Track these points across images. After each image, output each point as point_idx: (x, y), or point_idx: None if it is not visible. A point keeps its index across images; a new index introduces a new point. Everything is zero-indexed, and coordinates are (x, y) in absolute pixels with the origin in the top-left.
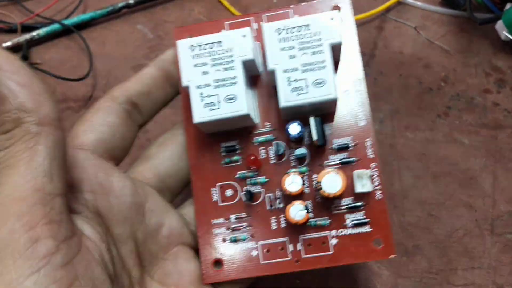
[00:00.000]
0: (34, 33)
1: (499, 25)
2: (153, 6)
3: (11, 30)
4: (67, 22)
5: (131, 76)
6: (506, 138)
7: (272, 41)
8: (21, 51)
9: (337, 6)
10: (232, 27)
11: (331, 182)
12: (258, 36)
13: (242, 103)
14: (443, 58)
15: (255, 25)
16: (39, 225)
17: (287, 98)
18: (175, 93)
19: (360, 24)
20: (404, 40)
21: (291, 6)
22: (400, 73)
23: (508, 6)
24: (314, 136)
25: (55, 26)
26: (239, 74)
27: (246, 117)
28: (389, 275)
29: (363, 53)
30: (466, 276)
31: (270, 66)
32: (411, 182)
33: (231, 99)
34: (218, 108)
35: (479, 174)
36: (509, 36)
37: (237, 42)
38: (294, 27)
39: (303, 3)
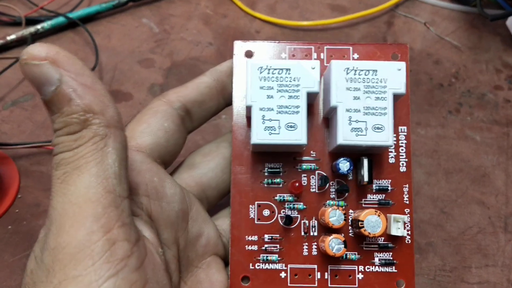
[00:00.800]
0: (38, 26)
1: (510, 21)
2: (159, 0)
3: (15, 23)
4: (72, 15)
5: (187, 82)
6: None
7: (339, 79)
8: (26, 44)
9: (396, 54)
10: (292, 53)
11: (373, 222)
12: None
13: (302, 133)
14: (454, 54)
15: (314, 54)
16: (115, 227)
17: (345, 136)
18: (226, 104)
19: (369, 19)
20: (413, 35)
21: (351, 44)
22: (410, 69)
23: None
24: (366, 178)
25: (60, 19)
26: (303, 104)
27: (303, 146)
28: None
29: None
30: (480, 274)
31: (333, 102)
32: (423, 178)
33: (292, 127)
34: (278, 134)
35: (492, 171)
36: None
37: (305, 73)
38: (362, 70)
39: (362, 43)
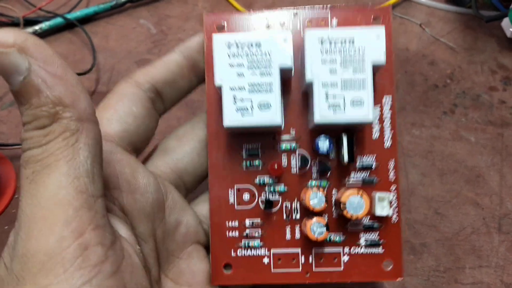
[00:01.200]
0: (37, 27)
1: (505, 23)
2: (156, 0)
3: (13, 24)
4: (70, 16)
5: (155, 61)
6: None
7: (313, 51)
8: None
9: (377, 16)
10: (266, 22)
11: (356, 204)
12: (295, 34)
13: (276, 112)
14: (449, 55)
15: (290, 23)
16: (87, 231)
17: (322, 114)
18: (198, 83)
19: None
20: (409, 37)
21: (328, 6)
22: (406, 70)
23: None
24: (345, 157)
25: (58, 20)
26: (276, 81)
27: (278, 127)
28: None
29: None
30: (474, 274)
31: (309, 77)
32: (417, 179)
33: (265, 106)
34: (251, 115)
35: (486, 172)
36: None
37: (277, 47)
38: (338, 39)
39: (340, 5)
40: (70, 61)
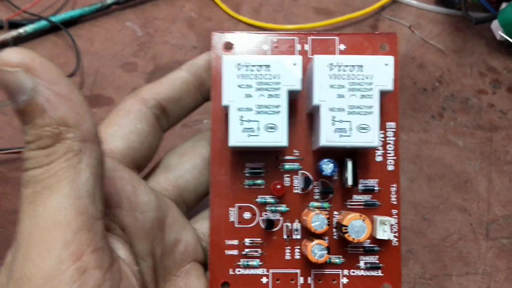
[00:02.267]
0: (21, 30)
1: (495, 25)
2: (143, 2)
3: None
4: (55, 19)
5: (162, 78)
6: (501, 140)
7: (322, 76)
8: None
9: (384, 44)
10: (275, 44)
11: (358, 227)
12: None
13: (282, 134)
14: (438, 57)
15: (298, 46)
16: (86, 253)
17: (328, 138)
18: (203, 100)
19: (354, 23)
20: (398, 39)
21: (336, 34)
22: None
23: (503, 5)
24: (350, 181)
25: (43, 23)
26: (283, 103)
27: (284, 148)
28: None
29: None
30: (460, 282)
31: (316, 101)
32: (405, 184)
33: (272, 128)
34: (257, 136)
35: (474, 177)
36: (505, 36)
37: (286, 70)
38: (347, 66)
39: (348, 33)
40: (54, 64)
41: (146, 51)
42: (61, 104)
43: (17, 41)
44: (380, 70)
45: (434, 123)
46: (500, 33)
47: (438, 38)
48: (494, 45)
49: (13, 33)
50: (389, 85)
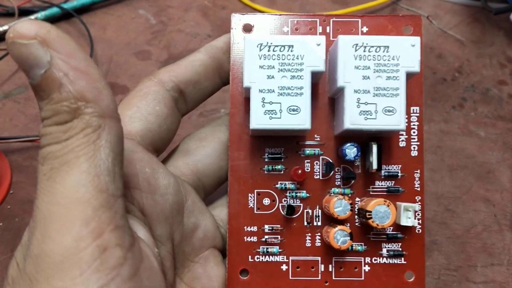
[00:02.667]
0: (32, 17)
1: None
2: None
3: (8, 14)
4: (67, 6)
5: (180, 60)
6: None
7: (347, 56)
8: None
9: (409, 27)
10: (295, 26)
11: (382, 213)
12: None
13: (305, 117)
14: (457, 48)
15: (320, 28)
16: (106, 231)
17: (353, 120)
18: (222, 84)
19: (370, 12)
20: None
21: (359, 16)
22: None
23: None
24: (375, 165)
25: (54, 9)
26: (307, 85)
27: (307, 131)
28: None
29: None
30: (485, 273)
31: (341, 82)
32: (427, 175)
33: (294, 110)
34: (279, 118)
35: (496, 167)
36: None
37: (309, 50)
38: (372, 46)
39: (372, 15)
40: (71, 37)
41: (160, 39)
42: (79, 78)
43: None
44: (406, 51)
45: (455, 113)
46: None
47: (456, 29)
48: None
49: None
50: (416, 67)
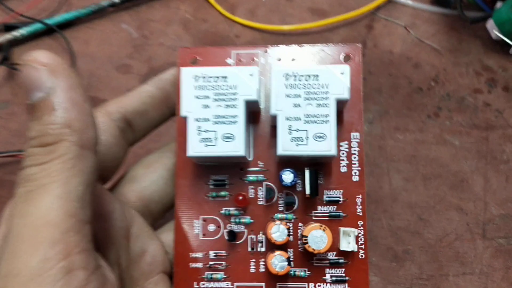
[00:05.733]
0: (16, 33)
1: (490, 24)
2: (138, 4)
3: None
4: (50, 21)
5: (129, 92)
6: (497, 139)
7: (278, 86)
8: (2, 51)
9: (349, 55)
10: (239, 57)
11: (317, 238)
12: (265, 71)
13: (239, 144)
14: (433, 57)
15: (262, 59)
16: (73, 254)
17: (285, 146)
18: (170, 114)
19: (349, 23)
20: (393, 39)
21: (303, 45)
22: (390, 73)
23: (499, 4)
24: (307, 190)
25: (38, 25)
26: (241, 113)
27: (242, 158)
28: (379, 281)
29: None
30: (457, 282)
31: (273, 111)
32: (400, 184)
33: (228, 137)
34: (214, 145)
35: (470, 176)
36: (500, 35)
37: (243, 80)
38: (302, 75)
39: (315, 45)
40: (76, 73)
41: (141, 53)
42: (72, 109)
43: (13, 44)
44: (335, 79)
45: (430, 122)
46: (495, 32)
47: (433, 38)
48: (489, 45)
49: (8, 36)
50: (345, 94)
